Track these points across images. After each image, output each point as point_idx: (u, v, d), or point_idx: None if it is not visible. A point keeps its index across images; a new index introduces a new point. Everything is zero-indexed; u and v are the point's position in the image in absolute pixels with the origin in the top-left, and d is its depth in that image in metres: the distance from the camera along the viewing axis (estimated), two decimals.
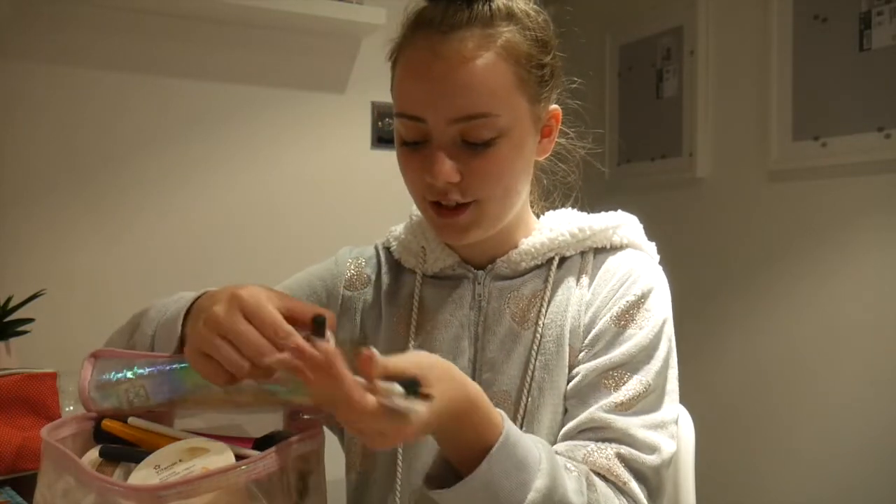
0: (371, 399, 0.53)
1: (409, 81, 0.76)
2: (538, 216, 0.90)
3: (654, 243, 0.89)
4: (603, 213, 0.87)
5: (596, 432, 0.74)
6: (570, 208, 0.91)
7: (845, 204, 1.72)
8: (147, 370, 0.65)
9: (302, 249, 1.79)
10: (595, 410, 0.74)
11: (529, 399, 0.79)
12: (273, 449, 0.56)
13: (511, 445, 0.64)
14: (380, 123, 2.04)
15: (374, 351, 0.54)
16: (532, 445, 0.67)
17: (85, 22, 1.62)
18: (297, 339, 0.56)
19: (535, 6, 0.79)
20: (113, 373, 0.66)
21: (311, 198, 1.90)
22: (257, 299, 0.59)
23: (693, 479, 0.98)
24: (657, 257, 0.88)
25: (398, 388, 0.54)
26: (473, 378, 0.82)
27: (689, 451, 0.99)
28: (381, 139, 2.04)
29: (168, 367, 0.65)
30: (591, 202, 0.91)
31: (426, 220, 0.83)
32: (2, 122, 1.55)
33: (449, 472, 0.65)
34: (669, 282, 0.85)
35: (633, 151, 2.37)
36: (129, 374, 0.65)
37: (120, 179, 1.67)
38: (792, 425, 1.83)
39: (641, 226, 0.89)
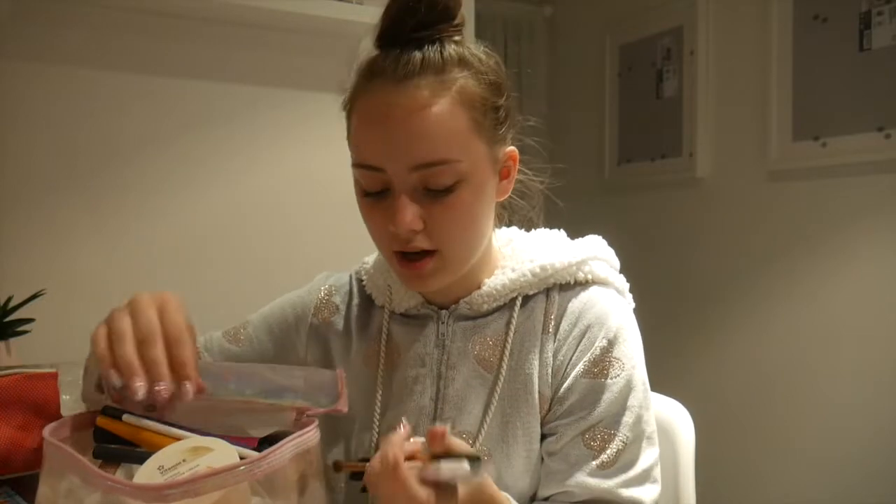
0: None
1: (366, 132, 0.76)
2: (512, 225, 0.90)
3: (622, 276, 0.88)
4: (571, 246, 0.87)
5: (581, 496, 0.77)
6: (543, 228, 0.90)
7: (845, 204, 1.72)
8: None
9: (302, 249, 1.79)
10: (579, 476, 0.77)
11: (503, 445, 0.81)
12: (275, 447, 0.56)
13: None
14: None
15: (446, 428, 0.62)
16: None
17: (85, 22, 1.61)
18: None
19: (485, 50, 0.79)
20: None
21: (311, 198, 1.89)
22: None
23: (693, 479, 0.99)
24: (626, 286, 0.88)
25: (465, 465, 0.61)
26: (435, 416, 0.84)
27: (689, 451, 0.99)
28: None
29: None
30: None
31: (392, 269, 0.82)
32: (2, 122, 1.54)
33: None
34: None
35: (633, 151, 2.37)
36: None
37: (120, 180, 1.66)
38: (792, 425, 1.83)
39: (612, 251, 0.88)
